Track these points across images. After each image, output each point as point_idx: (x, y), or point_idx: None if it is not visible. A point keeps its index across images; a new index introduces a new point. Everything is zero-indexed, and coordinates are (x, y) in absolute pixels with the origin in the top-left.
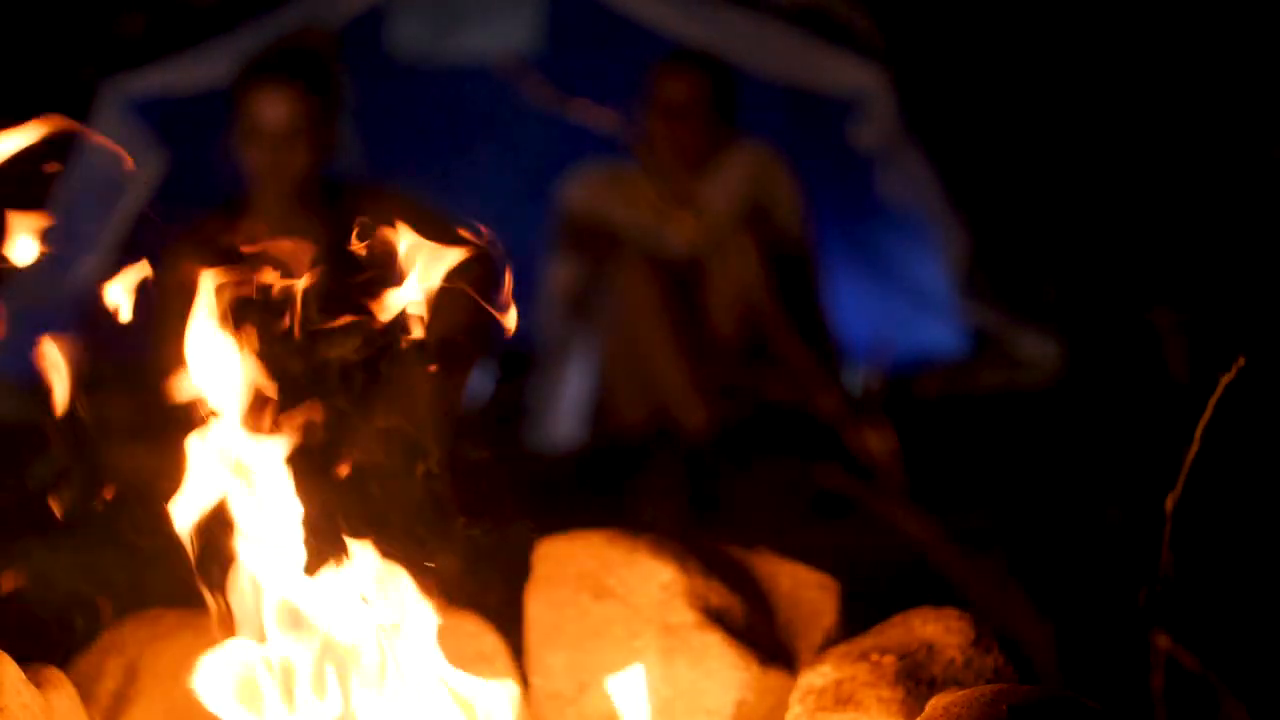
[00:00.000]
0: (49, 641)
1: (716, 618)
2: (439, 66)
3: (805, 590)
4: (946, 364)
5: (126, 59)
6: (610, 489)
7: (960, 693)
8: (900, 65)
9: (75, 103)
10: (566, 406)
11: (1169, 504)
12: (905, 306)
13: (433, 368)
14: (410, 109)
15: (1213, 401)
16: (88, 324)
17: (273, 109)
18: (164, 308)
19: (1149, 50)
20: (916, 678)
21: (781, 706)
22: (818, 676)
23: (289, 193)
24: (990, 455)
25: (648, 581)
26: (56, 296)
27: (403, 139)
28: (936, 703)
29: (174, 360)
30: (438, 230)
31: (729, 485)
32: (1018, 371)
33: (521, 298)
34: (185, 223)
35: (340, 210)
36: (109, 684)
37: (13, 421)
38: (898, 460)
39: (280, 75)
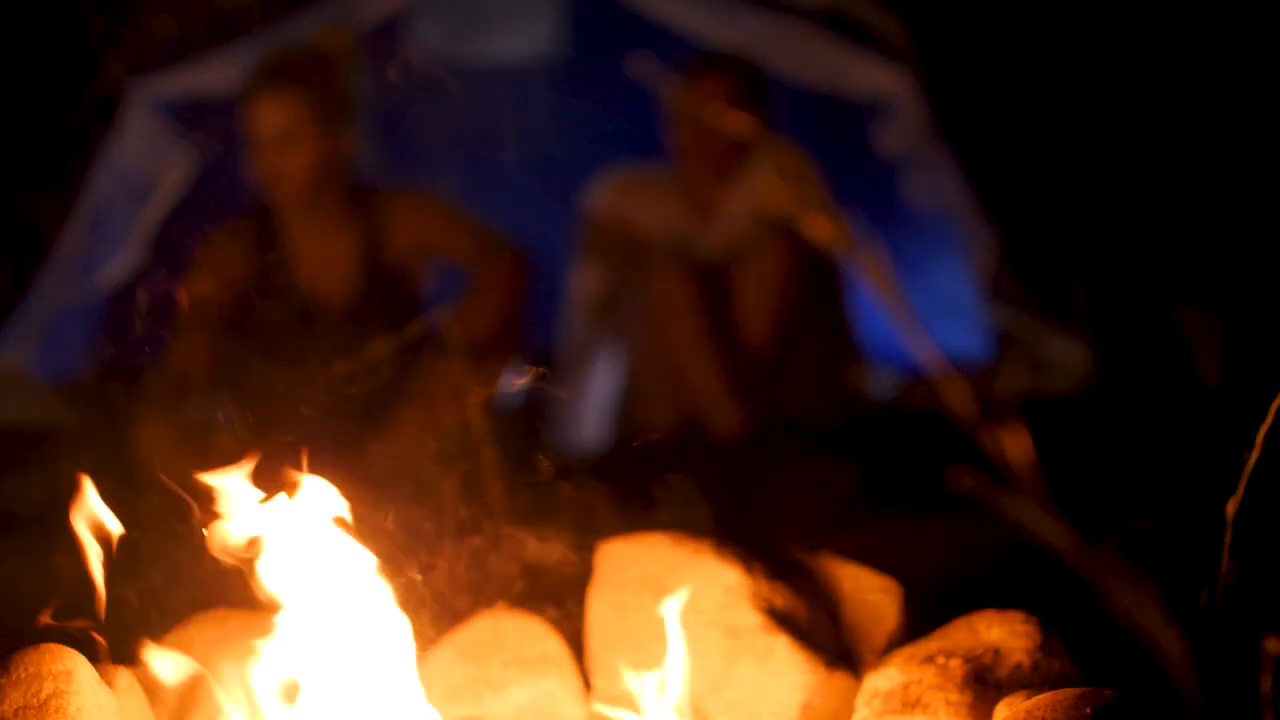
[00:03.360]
0: (118, 642)
1: (781, 620)
2: (468, 70)
3: (867, 593)
4: (972, 368)
5: (155, 60)
6: (637, 492)
7: (1042, 696)
8: (926, 68)
9: (103, 104)
10: (593, 410)
11: (1230, 509)
12: (931, 309)
13: (464, 370)
14: (438, 113)
15: (1275, 406)
16: (115, 325)
17: (266, 115)
18: (187, 310)
19: (1179, 50)
20: (984, 681)
21: (847, 709)
22: (883, 679)
23: (301, 198)
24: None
25: (712, 584)
26: (85, 297)
27: (430, 143)
28: (1016, 705)
29: (196, 361)
30: (466, 234)
31: (760, 487)
32: (1044, 375)
33: (548, 301)
34: (213, 228)
35: (370, 215)
36: (175, 685)
37: (46, 422)
38: (1034, 463)
39: (273, 81)
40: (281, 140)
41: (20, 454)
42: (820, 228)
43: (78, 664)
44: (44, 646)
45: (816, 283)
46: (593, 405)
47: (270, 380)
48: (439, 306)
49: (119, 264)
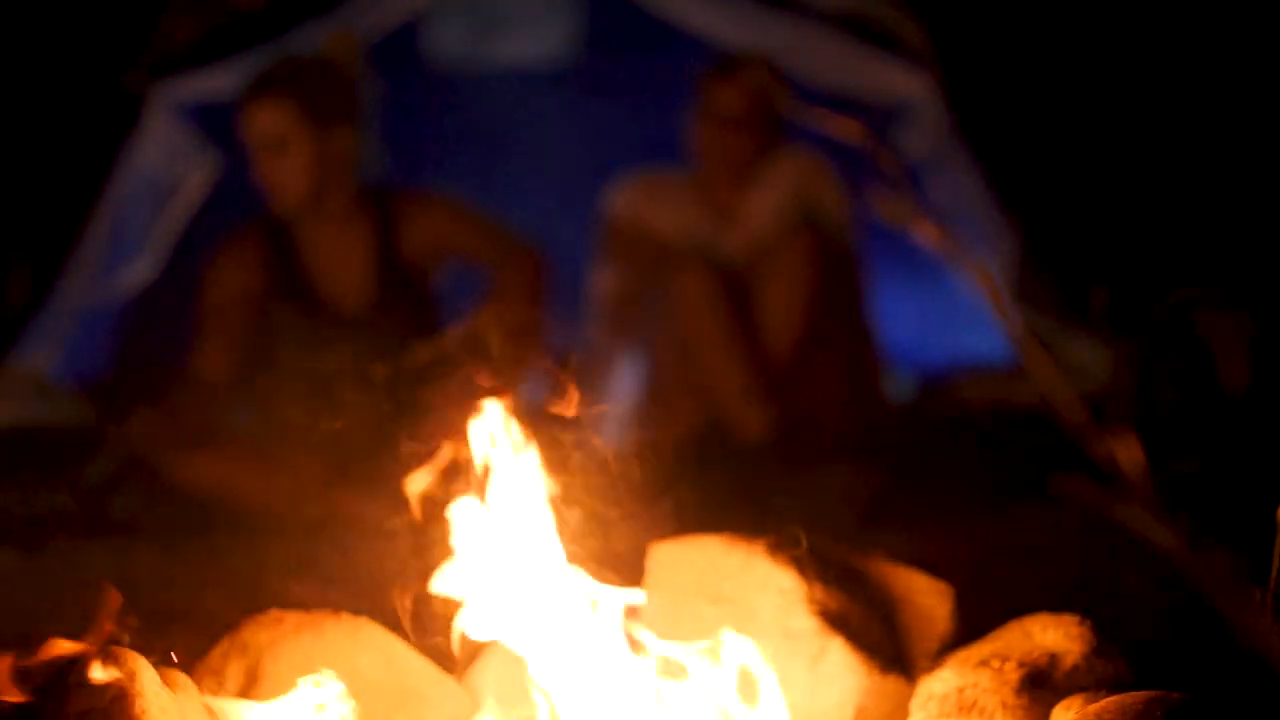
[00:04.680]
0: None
1: (835, 623)
2: (488, 73)
3: (919, 596)
4: (992, 370)
5: (177, 64)
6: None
7: (1110, 699)
8: (947, 71)
9: (126, 107)
10: (614, 412)
11: (1279, 514)
12: (951, 312)
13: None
14: (459, 116)
15: None
16: (136, 328)
17: (258, 123)
18: (206, 316)
19: (1202, 52)
20: (1039, 684)
21: (900, 712)
22: (938, 683)
23: (303, 203)
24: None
25: (765, 587)
26: (107, 300)
27: (449, 145)
28: (1074, 707)
29: (216, 367)
30: (482, 234)
31: (784, 488)
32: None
33: (568, 304)
34: (229, 233)
35: (383, 217)
36: (230, 687)
37: (68, 424)
38: (1144, 470)
39: (263, 90)
40: (275, 147)
41: (43, 456)
42: (926, 232)
43: (141, 667)
44: (107, 649)
45: (837, 285)
46: (614, 408)
47: (291, 383)
48: (456, 308)
49: (141, 268)
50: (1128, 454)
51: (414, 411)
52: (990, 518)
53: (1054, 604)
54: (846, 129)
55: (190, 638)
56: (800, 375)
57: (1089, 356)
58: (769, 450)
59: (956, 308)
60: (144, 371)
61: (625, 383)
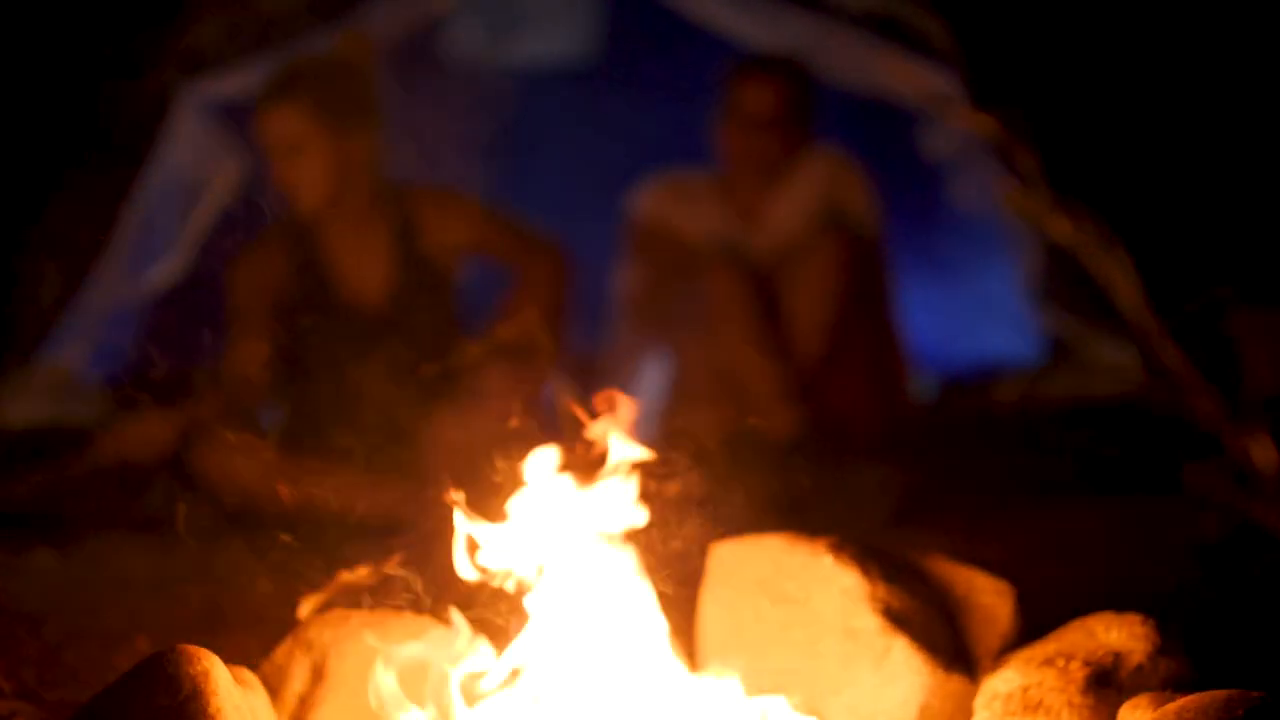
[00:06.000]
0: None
1: (899, 622)
2: (512, 72)
3: (981, 596)
4: (1021, 371)
5: (206, 63)
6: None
7: (1189, 698)
8: (972, 70)
9: (155, 106)
10: (641, 412)
11: None
12: (979, 312)
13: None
14: (479, 115)
15: None
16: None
17: (273, 127)
18: (233, 318)
19: (1236, 48)
20: (1105, 683)
21: (962, 712)
22: (1002, 682)
23: (323, 204)
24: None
25: (828, 586)
26: (135, 298)
27: (470, 145)
28: (1143, 706)
29: (245, 367)
30: (504, 232)
31: (814, 487)
32: (1093, 378)
33: (593, 304)
34: (253, 233)
35: (403, 215)
36: (295, 685)
37: (98, 423)
38: (1277, 466)
39: (278, 94)
40: (291, 150)
41: (72, 454)
42: (1060, 228)
43: (214, 664)
44: (181, 648)
45: (864, 285)
46: (640, 408)
47: (317, 383)
48: (478, 306)
49: (169, 266)
50: (1263, 452)
51: (454, 409)
52: (1021, 516)
53: (1102, 602)
54: (981, 124)
55: (240, 636)
56: (828, 375)
57: (1115, 357)
58: (796, 449)
59: (981, 307)
60: (172, 370)
61: (651, 383)
